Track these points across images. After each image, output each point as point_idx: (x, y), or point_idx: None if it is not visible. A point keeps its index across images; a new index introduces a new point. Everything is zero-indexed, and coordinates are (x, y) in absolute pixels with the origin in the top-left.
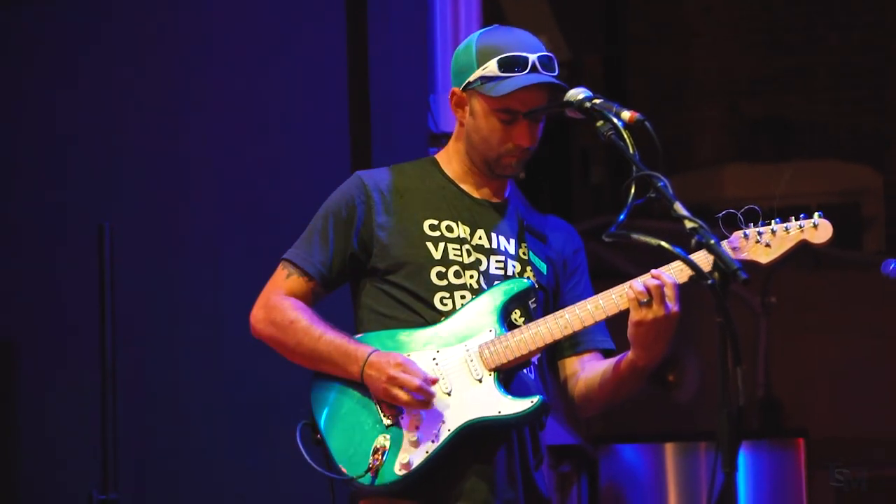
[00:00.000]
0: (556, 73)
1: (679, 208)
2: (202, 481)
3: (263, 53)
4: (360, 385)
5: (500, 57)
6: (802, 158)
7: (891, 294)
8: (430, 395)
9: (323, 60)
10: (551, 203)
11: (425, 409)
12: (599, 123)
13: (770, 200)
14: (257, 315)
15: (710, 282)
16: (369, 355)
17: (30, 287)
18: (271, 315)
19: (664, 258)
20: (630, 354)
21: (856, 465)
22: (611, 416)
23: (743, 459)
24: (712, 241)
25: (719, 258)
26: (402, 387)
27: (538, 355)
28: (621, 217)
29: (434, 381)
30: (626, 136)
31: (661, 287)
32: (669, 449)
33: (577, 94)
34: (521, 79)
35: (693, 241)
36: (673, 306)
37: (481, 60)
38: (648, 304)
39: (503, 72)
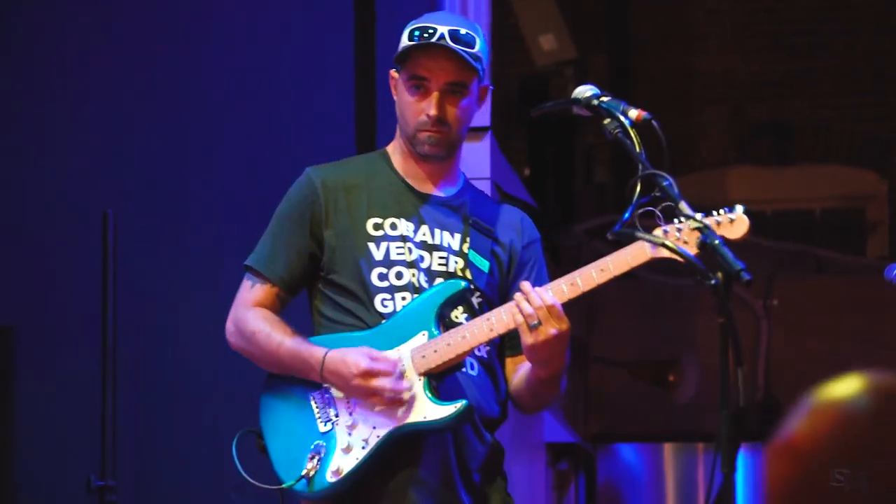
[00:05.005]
0: (474, 50)
1: (684, 207)
2: (201, 468)
3: (267, 33)
4: (299, 390)
5: (410, 27)
6: (806, 163)
7: (894, 299)
8: (404, 370)
9: (328, 36)
10: (555, 201)
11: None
12: (606, 121)
13: (774, 203)
14: (229, 329)
15: (713, 282)
16: (324, 358)
17: (33, 273)
18: (239, 328)
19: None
20: (532, 369)
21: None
22: (609, 415)
23: (742, 461)
24: (717, 242)
25: (723, 259)
26: (378, 376)
27: (487, 348)
28: (626, 215)
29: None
30: (632, 134)
31: (544, 308)
32: (668, 449)
33: (585, 91)
34: (420, 44)
35: (698, 241)
36: (561, 324)
37: (403, 39)
38: (538, 327)
39: (410, 40)
